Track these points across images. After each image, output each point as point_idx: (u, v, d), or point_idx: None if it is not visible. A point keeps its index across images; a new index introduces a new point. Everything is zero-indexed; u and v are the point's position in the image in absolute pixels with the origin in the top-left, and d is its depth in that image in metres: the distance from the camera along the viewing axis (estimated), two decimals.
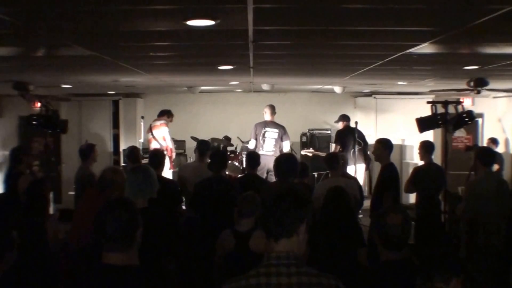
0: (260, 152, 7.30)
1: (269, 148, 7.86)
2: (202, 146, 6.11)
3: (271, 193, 2.10)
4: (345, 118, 8.75)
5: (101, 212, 2.19)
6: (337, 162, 5.50)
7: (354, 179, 6.36)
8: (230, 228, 3.94)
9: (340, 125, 8.74)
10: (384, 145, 5.88)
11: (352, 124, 9.41)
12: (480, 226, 5.26)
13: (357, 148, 8.46)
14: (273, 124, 8.05)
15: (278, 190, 2.09)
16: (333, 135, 9.35)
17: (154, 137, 8.51)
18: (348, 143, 8.40)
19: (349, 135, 8.47)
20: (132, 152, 6.41)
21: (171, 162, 8.49)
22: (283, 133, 7.96)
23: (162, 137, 8.57)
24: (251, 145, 8.00)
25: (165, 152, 8.03)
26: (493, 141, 9.40)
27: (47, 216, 4.30)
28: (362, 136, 8.67)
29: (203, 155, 5.96)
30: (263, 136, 7.90)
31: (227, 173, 7.00)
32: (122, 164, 10.25)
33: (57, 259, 3.86)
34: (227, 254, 3.79)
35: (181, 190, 5.72)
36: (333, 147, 8.50)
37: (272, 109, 8.12)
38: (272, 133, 7.95)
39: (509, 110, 10.67)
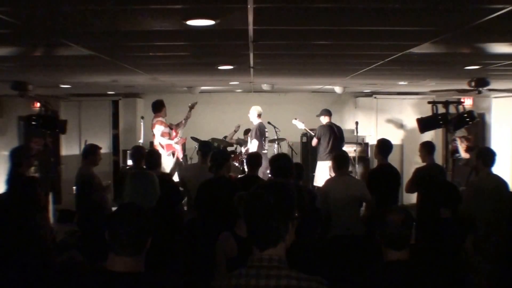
0: (264, 152, 7.86)
1: (267, 147, 8.44)
2: (204, 147, 6.10)
3: (248, 204, 2.01)
4: (328, 112, 8.71)
5: (114, 216, 2.20)
6: (348, 163, 5.55)
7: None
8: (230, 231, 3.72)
9: (323, 120, 8.70)
10: (376, 145, 5.93)
11: (353, 125, 9.41)
12: (480, 226, 5.25)
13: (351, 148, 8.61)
14: (264, 125, 8.66)
15: (253, 201, 2.00)
16: None
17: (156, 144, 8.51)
18: (327, 139, 8.40)
19: (329, 132, 8.47)
20: (137, 151, 6.33)
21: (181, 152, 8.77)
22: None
23: (158, 143, 8.52)
24: (254, 146, 8.19)
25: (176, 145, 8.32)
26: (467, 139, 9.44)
27: (42, 213, 4.24)
28: (342, 134, 8.71)
29: (205, 156, 5.93)
30: (266, 136, 8.39)
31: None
32: (122, 164, 10.25)
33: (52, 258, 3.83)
34: (229, 260, 3.56)
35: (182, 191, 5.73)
36: (314, 141, 8.56)
37: (260, 111, 8.68)
38: (267, 133, 8.56)
39: (510, 110, 10.63)
